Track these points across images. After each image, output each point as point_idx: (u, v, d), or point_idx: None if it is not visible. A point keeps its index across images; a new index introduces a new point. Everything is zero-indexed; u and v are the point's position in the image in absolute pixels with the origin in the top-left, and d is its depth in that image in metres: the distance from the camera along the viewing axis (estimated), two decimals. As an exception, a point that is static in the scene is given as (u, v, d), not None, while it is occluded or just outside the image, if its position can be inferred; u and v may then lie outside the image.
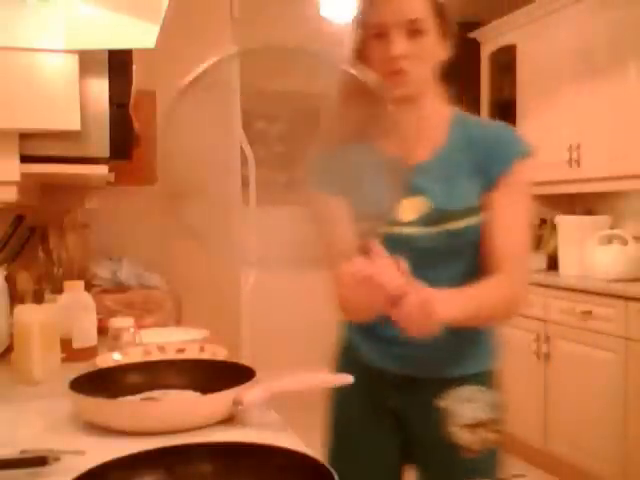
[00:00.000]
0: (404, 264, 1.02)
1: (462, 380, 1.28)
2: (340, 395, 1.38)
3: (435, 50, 1.22)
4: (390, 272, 1.00)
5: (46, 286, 2.02)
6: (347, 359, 1.39)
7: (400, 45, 1.17)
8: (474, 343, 1.32)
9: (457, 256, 1.26)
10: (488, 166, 1.23)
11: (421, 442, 1.33)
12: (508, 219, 1.22)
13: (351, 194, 1.21)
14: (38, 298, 1.82)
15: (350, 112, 1.23)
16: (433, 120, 1.27)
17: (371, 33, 1.21)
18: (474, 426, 1.26)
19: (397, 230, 1.22)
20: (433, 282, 1.12)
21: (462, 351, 1.30)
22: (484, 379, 1.31)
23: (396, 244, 1.13)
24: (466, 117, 1.30)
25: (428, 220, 1.22)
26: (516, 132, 1.29)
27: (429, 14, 1.19)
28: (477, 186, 1.24)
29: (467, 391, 1.27)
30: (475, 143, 1.25)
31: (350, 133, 1.24)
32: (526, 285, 1.28)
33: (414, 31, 1.18)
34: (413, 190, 1.22)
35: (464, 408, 1.27)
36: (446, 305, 1.05)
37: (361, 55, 1.23)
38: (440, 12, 1.21)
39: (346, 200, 1.23)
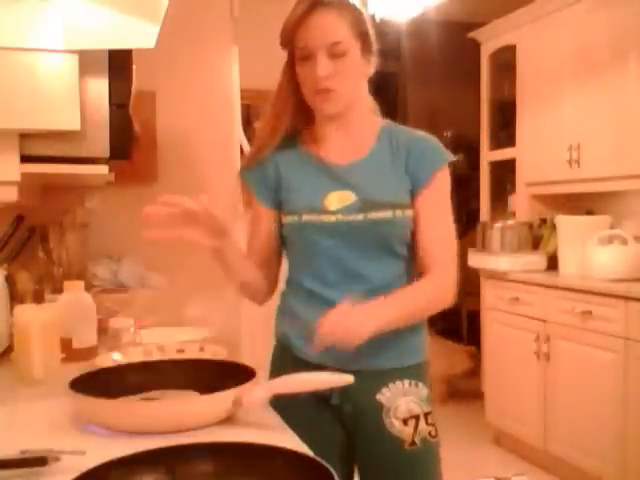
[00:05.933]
0: None
1: (397, 373, 1.35)
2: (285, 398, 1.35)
3: (358, 68, 1.33)
4: None
5: (46, 286, 2.02)
6: (285, 357, 1.39)
7: (324, 66, 1.28)
8: (407, 336, 1.37)
9: (388, 252, 1.34)
10: (416, 172, 1.35)
11: (363, 437, 1.36)
12: (436, 220, 1.35)
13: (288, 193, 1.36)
14: (38, 298, 1.82)
15: (284, 115, 1.36)
16: (361, 129, 1.39)
17: (298, 54, 1.31)
18: (410, 419, 1.33)
19: (324, 218, 1.31)
20: (370, 279, 1.31)
21: (396, 344, 1.34)
22: (417, 372, 1.37)
23: (323, 231, 1.30)
24: (394, 126, 1.41)
25: (353, 209, 1.31)
26: (437, 141, 1.40)
27: (350, 35, 1.29)
28: (405, 186, 1.34)
29: (404, 385, 1.35)
30: (403, 149, 1.36)
31: (282, 135, 1.36)
32: (454, 282, 1.36)
33: (337, 52, 1.28)
34: (341, 185, 1.33)
35: (401, 402, 1.33)
36: (369, 318, 1.18)
37: (293, 71, 1.34)
38: (361, 32, 1.31)
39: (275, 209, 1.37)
